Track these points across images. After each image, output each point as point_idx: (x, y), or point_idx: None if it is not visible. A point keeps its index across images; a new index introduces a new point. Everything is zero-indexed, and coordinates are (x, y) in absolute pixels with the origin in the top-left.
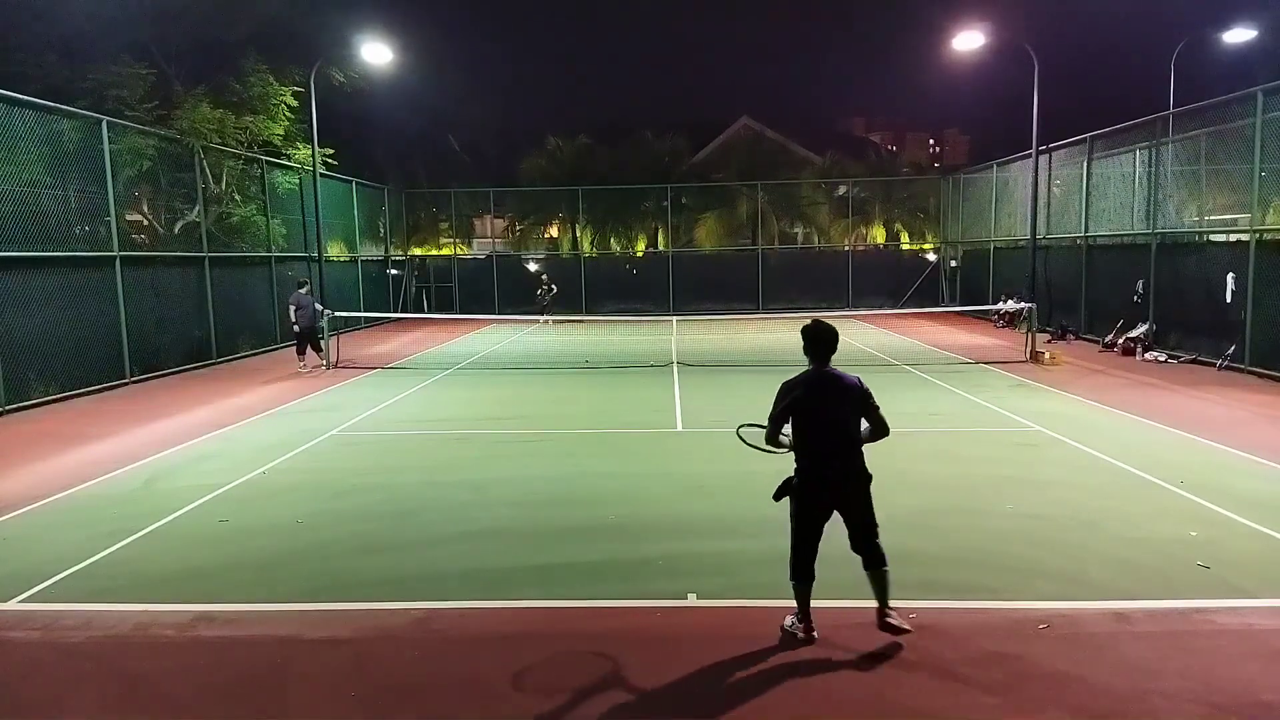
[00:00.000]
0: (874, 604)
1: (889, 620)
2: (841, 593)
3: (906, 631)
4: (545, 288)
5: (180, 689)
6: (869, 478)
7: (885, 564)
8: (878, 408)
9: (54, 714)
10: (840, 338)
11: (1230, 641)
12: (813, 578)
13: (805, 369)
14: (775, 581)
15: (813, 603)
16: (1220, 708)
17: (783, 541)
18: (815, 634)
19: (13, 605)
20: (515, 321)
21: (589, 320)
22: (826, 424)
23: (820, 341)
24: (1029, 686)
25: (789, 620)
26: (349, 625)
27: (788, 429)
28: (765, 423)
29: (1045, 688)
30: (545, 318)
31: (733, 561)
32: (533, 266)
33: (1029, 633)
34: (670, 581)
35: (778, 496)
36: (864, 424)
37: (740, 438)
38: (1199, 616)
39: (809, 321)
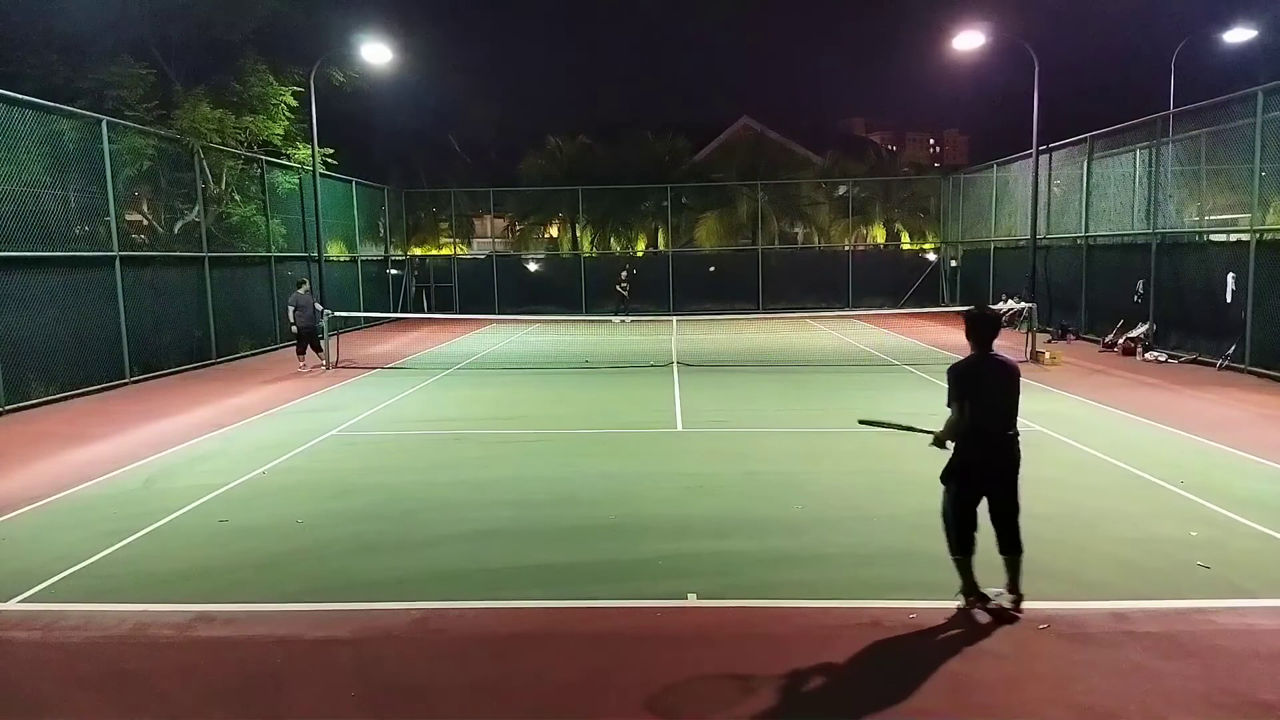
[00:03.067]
0: (878, 603)
1: (1018, 605)
2: (842, 593)
3: (1017, 617)
4: (624, 285)
5: (180, 689)
6: (1019, 462)
7: (1020, 551)
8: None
9: (54, 714)
10: (841, 338)
11: (1231, 641)
12: (973, 550)
13: (964, 356)
14: (775, 581)
15: (809, 603)
16: (1220, 707)
17: (782, 542)
18: (987, 600)
19: (13, 605)
20: (516, 321)
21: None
22: (989, 409)
23: (981, 326)
24: (1029, 686)
25: (959, 600)
26: (349, 625)
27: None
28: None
29: (1045, 688)
30: (620, 318)
31: (733, 561)
32: (533, 266)
33: (1029, 633)
34: (670, 581)
35: (944, 479)
36: None
37: (880, 424)
38: (1199, 616)
39: (972, 307)
